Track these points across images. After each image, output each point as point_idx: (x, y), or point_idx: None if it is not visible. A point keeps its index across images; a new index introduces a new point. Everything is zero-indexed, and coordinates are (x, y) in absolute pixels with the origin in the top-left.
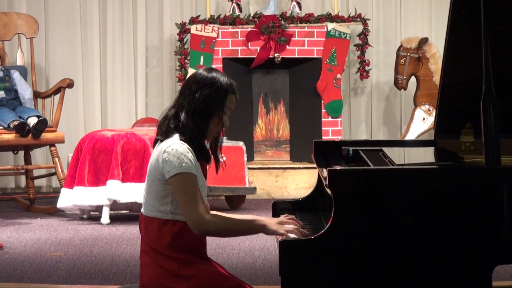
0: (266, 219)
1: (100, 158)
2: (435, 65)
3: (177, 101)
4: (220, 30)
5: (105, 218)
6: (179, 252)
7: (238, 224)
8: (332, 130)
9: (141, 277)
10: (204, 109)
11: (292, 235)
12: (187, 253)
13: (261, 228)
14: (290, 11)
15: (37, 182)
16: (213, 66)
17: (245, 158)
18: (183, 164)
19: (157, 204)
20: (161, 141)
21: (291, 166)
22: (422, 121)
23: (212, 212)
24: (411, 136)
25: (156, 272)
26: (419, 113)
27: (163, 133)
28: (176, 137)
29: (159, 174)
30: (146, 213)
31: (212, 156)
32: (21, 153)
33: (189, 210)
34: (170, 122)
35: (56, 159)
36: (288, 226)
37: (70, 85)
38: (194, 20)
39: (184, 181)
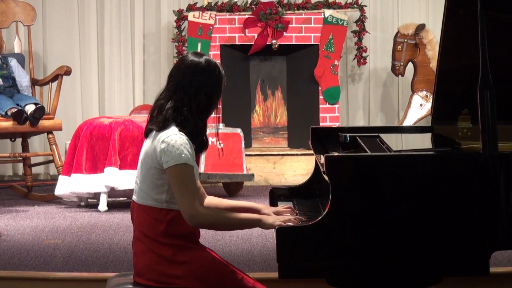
0: (263, 206)
1: (97, 145)
2: (432, 51)
3: (174, 93)
4: (217, 17)
5: (102, 205)
6: (174, 238)
7: (233, 218)
8: (329, 117)
9: (135, 266)
10: (207, 102)
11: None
12: (181, 239)
13: (257, 223)
14: None
15: (35, 170)
16: (211, 53)
17: (243, 145)
18: (182, 155)
19: (152, 193)
20: (157, 131)
21: (289, 152)
22: (420, 107)
23: (210, 197)
24: (408, 122)
25: (151, 259)
26: (417, 99)
27: (160, 124)
28: (174, 128)
29: (156, 163)
30: (140, 201)
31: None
32: (19, 140)
33: (184, 202)
34: (167, 114)
35: (54, 146)
36: (284, 217)
37: (68, 72)
38: (191, 7)
39: (182, 173)
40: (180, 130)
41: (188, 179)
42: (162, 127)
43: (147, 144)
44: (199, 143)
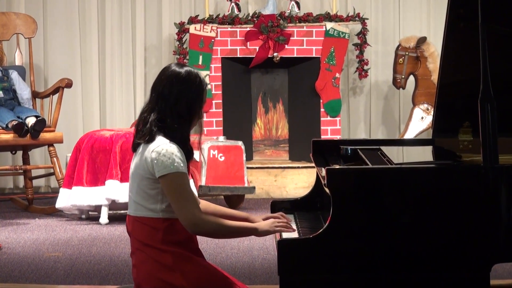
0: (256, 218)
1: (98, 158)
2: (433, 64)
3: (156, 104)
4: (219, 30)
5: (103, 218)
6: (173, 245)
7: (231, 226)
8: (331, 129)
9: (135, 278)
10: (189, 112)
11: (289, 234)
12: (180, 247)
13: (253, 231)
14: (289, 11)
15: (36, 182)
16: (212, 65)
17: (244, 158)
18: (175, 164)
19: (147, 203)
20: (145, 143)
21: (290, 165)
22: (421, 120)
23: (204, 201)
24: (409, 135)
25: (152, 267)
26: (418, 112)
27: (146, 137)
28: (162, 137)
29: (148, 174)
30: (135, 214)
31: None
32: (20, 153)
33: (183, 211)
34: (152, 127)
35: (55, 159)
36: (278, 224)
37: (69, 85)
38: (193, 20)
39: (176, 181)
40: (170, 141)
41: (183, 187)
42: (149, 139)
43: (136, 157)
44: (186, 152)
